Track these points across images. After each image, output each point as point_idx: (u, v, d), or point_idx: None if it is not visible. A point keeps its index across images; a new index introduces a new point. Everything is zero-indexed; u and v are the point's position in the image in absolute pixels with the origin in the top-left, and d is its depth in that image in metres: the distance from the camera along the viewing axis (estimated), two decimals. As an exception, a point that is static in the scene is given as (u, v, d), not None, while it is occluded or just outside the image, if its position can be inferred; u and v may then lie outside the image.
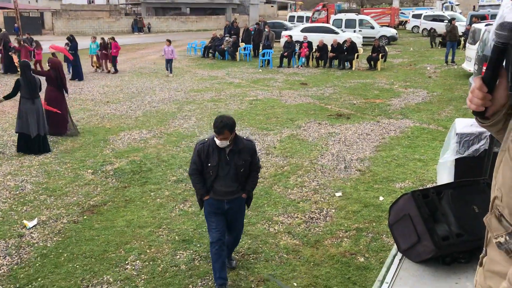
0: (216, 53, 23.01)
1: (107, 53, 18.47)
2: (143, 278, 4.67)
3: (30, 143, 8.27)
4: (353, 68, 18.67)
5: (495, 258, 1.54)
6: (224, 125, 3.99)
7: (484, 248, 1.63)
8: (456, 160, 4.61)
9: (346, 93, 13.78)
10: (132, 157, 8.16)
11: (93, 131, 9.89)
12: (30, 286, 4.56)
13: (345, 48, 19.22)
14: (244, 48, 22.59)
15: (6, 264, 4.91)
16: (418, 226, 3.10)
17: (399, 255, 3.29)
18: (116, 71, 18.51)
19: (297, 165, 7.68)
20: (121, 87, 15.41)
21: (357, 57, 19.09)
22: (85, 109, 12.19)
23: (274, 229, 5.62)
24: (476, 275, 1.70)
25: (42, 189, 6.82)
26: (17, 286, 4.54)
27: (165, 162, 7.94)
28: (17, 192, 6.70)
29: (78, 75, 16.69)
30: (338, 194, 6.54)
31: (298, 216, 5.93)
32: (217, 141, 4.08)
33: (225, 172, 4.18)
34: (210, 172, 4.18)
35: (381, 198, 6.33)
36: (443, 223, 3.11)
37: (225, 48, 22.43)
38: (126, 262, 4.95)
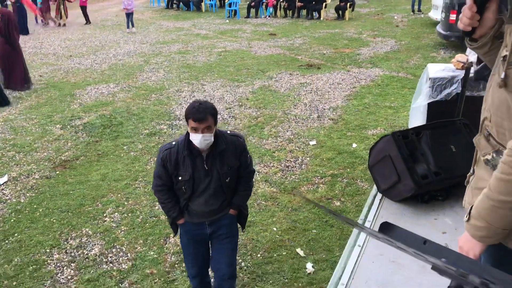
0: (181, 4, 22.26)
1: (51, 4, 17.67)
2: (123, 229, 4.66)
3: None
4: (321, 18, 18.48)
5: (482, 176, 1.62)
6: (206, 108, 2.73)
7: (472, 168, 1.72)
8: (429, 104, 4.69)
9: (315, 43, 13.68)
10: (101, 111, 7.96)
11: (58, 86, 9.53)
12: (7, 241, 4.48)
13: (313, -3, 18.93)
14: (210, -1, 21.95)
15: (-21, 221, 4.79)
16: (399, 166, 3.18)
17: (379, 195, 3.38)
18: (88, 21, 17.98)
19: (271, 116, 7.67)
20: (84, 41, 14.80)
21: (325, 7, 18.86)
22: (48, 63, 11.69)
23: (251, 178, 5.66)
24: (464, 196, 1.78)
25: (10, 145, 6.60)
26: (-7, 242, 4.46)
27: (136, 115, 7.79)
28: (-17, 149, 6.46)
29: (24, 29, 15.66)
30: (312, 142, 6.60)
31: (274, 165, 5.98)
32: (196, 138, 2.75)
33: (204, 186, 2.94)
34: (182, 188, 2.94)
35: (354, 145, 6.44)
36: (422, 163, 3.20)
37: (190, -1, 21.71)
38: (104, 215, 4.91)
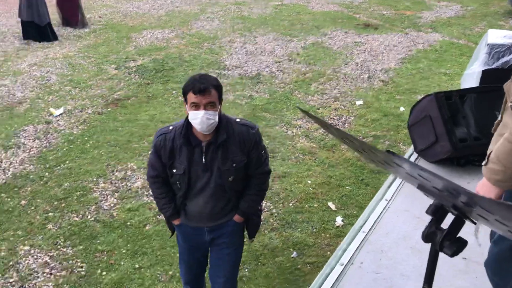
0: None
1: None
2: (164, 167, 4.88)
3: (40, 31, 8.55)
4: (386, -22, 17.67)
5: (507, 123, 1.61)
6: (208, 79, 2.30)
7: (500, 115, 1.71)
8: (483, 71, 4.51)
9: (376, 3, 13.17)
10: (155, 56, 8.15)
11: (116, 28, 9.80)
12: (58, 167, 4.82)
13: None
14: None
15: (36, 147, 5.16)
16: (438, 127, 3.13)
17: (415, 155, 3.37)
18: None
19: (320, 72, 7.60)
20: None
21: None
22: (107, 5, 11.97)
23: (292, 132, 5.72)
24: (490, 145, 1.78)
25: (67, 80, 6.95)
26: (47, 166, 4.82)
27: (187, 62, 7.93)
28: (43, 82, 6.84)
29: None
30: (359, 102, 6.53)
31: (317, 121, 5.99)
32: (196, 117, 2.25)
33: (202, 184, 2.45)
34: (177, 183, 2.48)
35: (401, 109, 6.32)
36: (462, 126, 3.14)
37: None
38: (149, 152, 5.14)
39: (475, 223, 1.18)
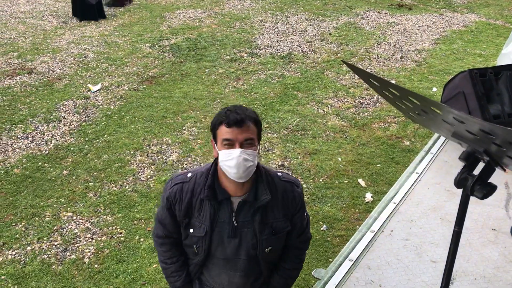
0: None
1: None
2: (198, 142, 5.03)
3: (89, 9, 8.84)
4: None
5: None
6: (246, 111, 1.76)
7: None
8: (521, 51, 4.45)
9: (410, -17, 12.92)
10: (188, 35, 8.28)
11: (150, 8, 9.95)
12: (97, 140, 5.03)
13: None
14: None
15: (76, 121, 5.38)
16: (471, 103, 3.14)
17: (447, 132, 3.39)
18: None
19: (352, 52, 7.58)
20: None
21: None
22: (141, -14, 12.13)
23: (323, 110, 5.77)
24: None
25: (104, 58, 7.15)
26: (86, 139, 5.03)
27: (219, 41, 8.02)
28: (81, 59, 7.06)
29: None
30: (392, 82, 6.50)
31: (348, 100, 6.02)
32: (231, 157, 1.71)
33: (229, 252, 1.88)
34: (194, 247, 1.91)
35: (434, 89, 6.27)
36: (496, 103, 3.14)
37: None
38: (183, 128, 5.30)
39: (504, 170, 1.25)
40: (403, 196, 2.62)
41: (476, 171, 1.24)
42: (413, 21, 9.26)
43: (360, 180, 4.46)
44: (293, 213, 1.89)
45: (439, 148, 3.15)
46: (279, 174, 1.92)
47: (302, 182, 4.41)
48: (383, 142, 5.09)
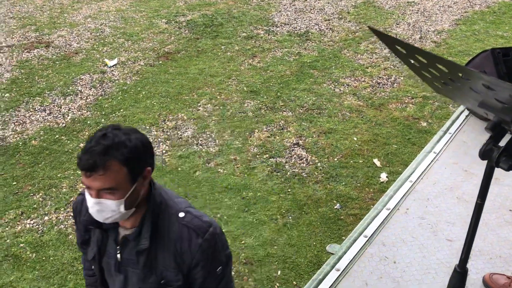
0: None
1: None
2: (213, 119, 5.04)
3: None
4: None
5: None
6: (104, 155, 1.33)
7: None
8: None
9: (432, -38, 12.61)
10: (204, 11, 8.21)
11: (166, -17, 9.87)
12: (113, 114, 5.06)
13: None
14: None
15: (92, 95, 5.41)
16: (493, 83, 3.09)
17: (466, 112, 3.34)
18: None
19: (370, 32, 7.46)
20: None
21: None
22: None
23: (340, 89, 5.71)
24: None
25: (120, 33, 7.15)
26: (103, 113, 5.06)
27: (236, 18, 7.94)
28: (97, 34, 7.07)
29: None
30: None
31: (365, 80, 5.95)
32: (88, 204, 1.42)
33: (118, 287, 1.60)
34: (91, 268, 1.69)
35: (453, 71, 6.17)
36: (519, 83, 3.08)
37: None
38: (199, 105, 5.31)
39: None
40: (420, 175, 2.60)
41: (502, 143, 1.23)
42: (434, 0, 9.05)
43: (376, 160, 4.44)
44: (190, 267, 1.48)
45: (457, 128, 3.11)
46: (182, 215, 1.49)
47: (317, 161, 4.41)
48: (399, 123, 5.04)
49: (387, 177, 4.20)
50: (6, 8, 8.03)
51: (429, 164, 2.70)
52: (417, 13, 8.35)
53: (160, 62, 6.30)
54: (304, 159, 4.44)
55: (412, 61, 1.25)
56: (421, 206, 2.44)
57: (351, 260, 2.14)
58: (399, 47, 1.18)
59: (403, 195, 2.50)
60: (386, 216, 2.35)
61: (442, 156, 2.79)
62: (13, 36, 6.87)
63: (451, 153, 2.80)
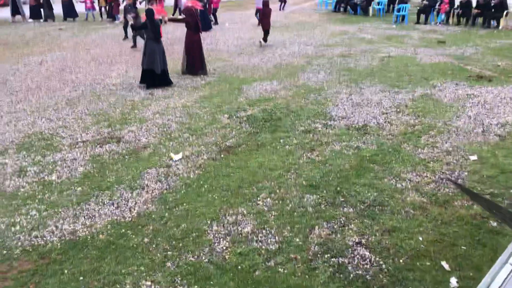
0: (348, 7, 22.40)
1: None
2: (273, 214, 5.05)
3: (156, 78, 9.87)
4: (500, 27, 16.94)
5: None
6: None
7: None
8: None
9: (489, 53, 12.67)
10: (264, 106, 8.57)
11: (228, 80, 10.50)
12: (177, 209, 5.21)
13: (492, 4, 17.45)
14: (378, 3, 21.65)
15: (158, 188, 5.64)
16: None
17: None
18: (216, 23, 19.75)
19: (430, 125, 7.43)
20: (254, 40, 15.90)
21: (506, 15, 17.24)
22: (221, 59, 12.90)
23: (401, 185, 5.62)
24: None
25: (185, 128, 7.55)
26: (167, 207, 5.23)
27: (294, 112, 8.21)
28: (165, 129, 7.50)
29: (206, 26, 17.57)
30: (473, 157, 6.25)
31: (427, 175, 5.83)
32: None
33: None
34: None
35: (522, 165, 5.93)
36: None
37: (358, 3, 21.71)
38: (258, 199, 5.37)
39: None
40: (497, 290, 2.43)
41: None
42: (494, 93, 8.98)
43: (444, 263, 4.21)
44: None
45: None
46: None
47: (381, 262, 4.24)
48: (467, 222, 4.82)
49: (457, 282, 3.95)
50: (83, 106, 8.79)
51: (506, 278, 2.53)
52: (477, 105, 8.28)
53: (222, 155, 6.53)
54: (368, 260, 4.30)
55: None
56: (501, 326, 2.25)
57: None
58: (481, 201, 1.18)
59: (480, 313, 2.33)
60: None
61: (520, 268, 2.60)
62: (88, 132, 7.43)
63: (529, 264, 2.61)
